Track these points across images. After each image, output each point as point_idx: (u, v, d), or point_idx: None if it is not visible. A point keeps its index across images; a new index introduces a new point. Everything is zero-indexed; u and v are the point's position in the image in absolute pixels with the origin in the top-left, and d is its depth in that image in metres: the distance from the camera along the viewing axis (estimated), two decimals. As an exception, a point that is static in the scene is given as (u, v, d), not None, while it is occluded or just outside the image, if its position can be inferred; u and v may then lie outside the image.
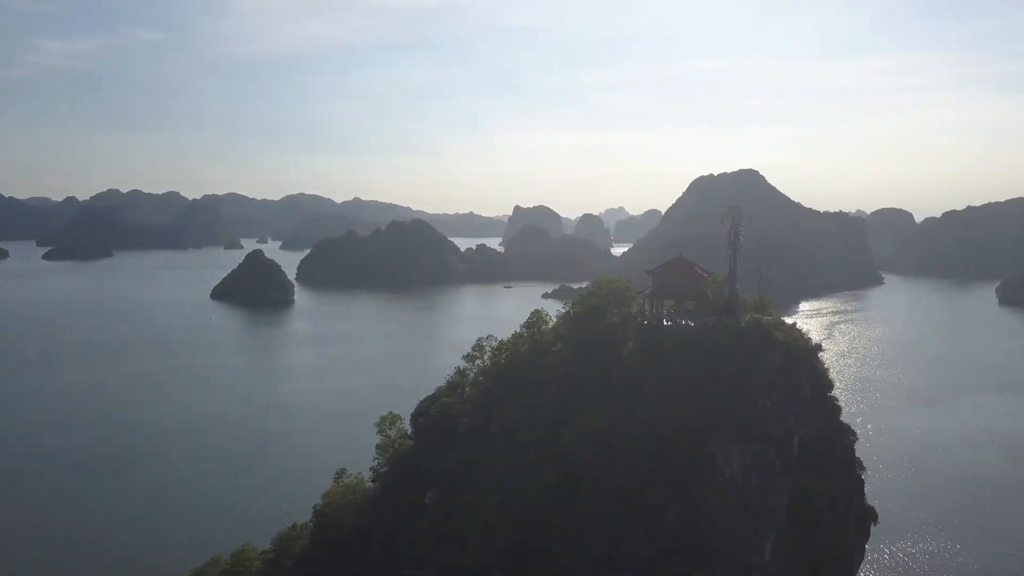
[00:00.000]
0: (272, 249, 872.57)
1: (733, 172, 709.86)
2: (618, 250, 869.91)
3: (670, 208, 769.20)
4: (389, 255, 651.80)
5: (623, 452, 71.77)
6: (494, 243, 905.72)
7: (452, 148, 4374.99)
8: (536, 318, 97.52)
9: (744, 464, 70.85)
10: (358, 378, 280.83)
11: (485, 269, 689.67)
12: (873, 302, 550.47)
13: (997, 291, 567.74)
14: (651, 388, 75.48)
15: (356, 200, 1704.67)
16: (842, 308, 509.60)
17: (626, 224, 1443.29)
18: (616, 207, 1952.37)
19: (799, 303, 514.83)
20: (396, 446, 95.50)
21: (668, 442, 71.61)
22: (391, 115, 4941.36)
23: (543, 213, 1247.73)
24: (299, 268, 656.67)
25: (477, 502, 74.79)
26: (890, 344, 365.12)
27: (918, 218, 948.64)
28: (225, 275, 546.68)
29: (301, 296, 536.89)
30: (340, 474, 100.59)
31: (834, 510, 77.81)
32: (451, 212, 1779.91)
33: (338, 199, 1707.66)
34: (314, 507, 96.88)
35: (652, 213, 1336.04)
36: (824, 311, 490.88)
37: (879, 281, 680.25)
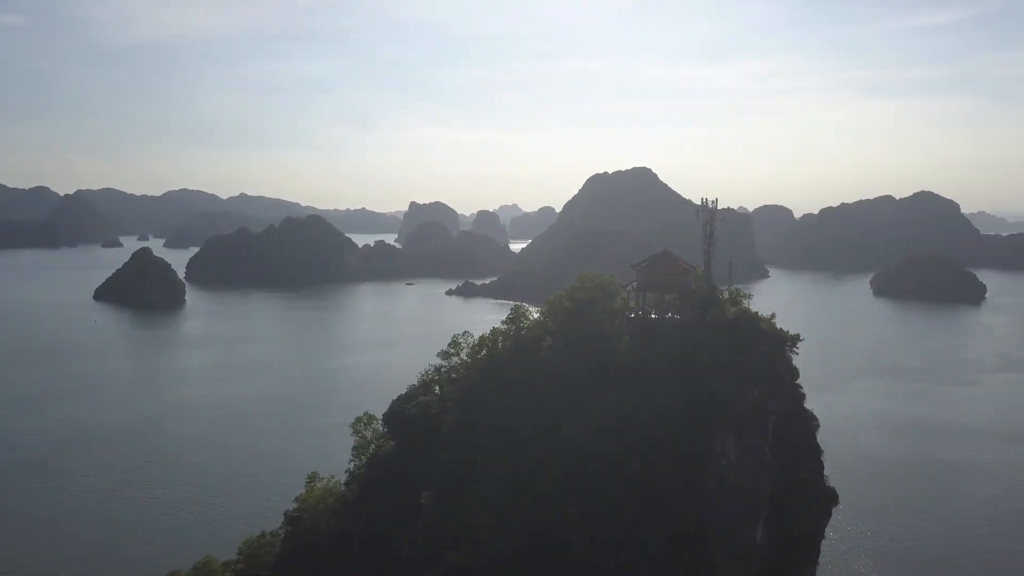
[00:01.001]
0: (155, 247, 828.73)
1: (628, 170, 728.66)
2: (516, 246, 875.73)
3: (567, 205, 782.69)
4: (285, 252, 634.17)
5: (628, 444, 73.39)
6: (389, 239, 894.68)
7: (342, 143, 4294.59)
8: (516, 314, 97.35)
9: (738, 452, 74.03)
10: (268, 380, 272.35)
11: (384, 266, 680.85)
12: (762, 294, 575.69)
13: (871, 283, 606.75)
14: (648, 381, 77.35)
15: (243, 196, 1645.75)
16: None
17: (521, 221, 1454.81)
18: (510, 204, 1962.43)
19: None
20: (373, 447, 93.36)
21: (670, 433, 73.75)
22: (277, 108, 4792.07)
23: (440, 209, 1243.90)
24: (188, 267, 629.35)
25: (484, 500, 74.35)
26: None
27: (797, 214, 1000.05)
28: (108, 275, 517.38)
29: (192, 296, 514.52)
30: (312, 478, 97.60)
31: (803, 493, 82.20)
32: (343, 208, 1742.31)
33: (224, 195, 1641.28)
34: (285, 513, 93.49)
35: (547, 210, 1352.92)
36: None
37: (765, 274, 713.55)
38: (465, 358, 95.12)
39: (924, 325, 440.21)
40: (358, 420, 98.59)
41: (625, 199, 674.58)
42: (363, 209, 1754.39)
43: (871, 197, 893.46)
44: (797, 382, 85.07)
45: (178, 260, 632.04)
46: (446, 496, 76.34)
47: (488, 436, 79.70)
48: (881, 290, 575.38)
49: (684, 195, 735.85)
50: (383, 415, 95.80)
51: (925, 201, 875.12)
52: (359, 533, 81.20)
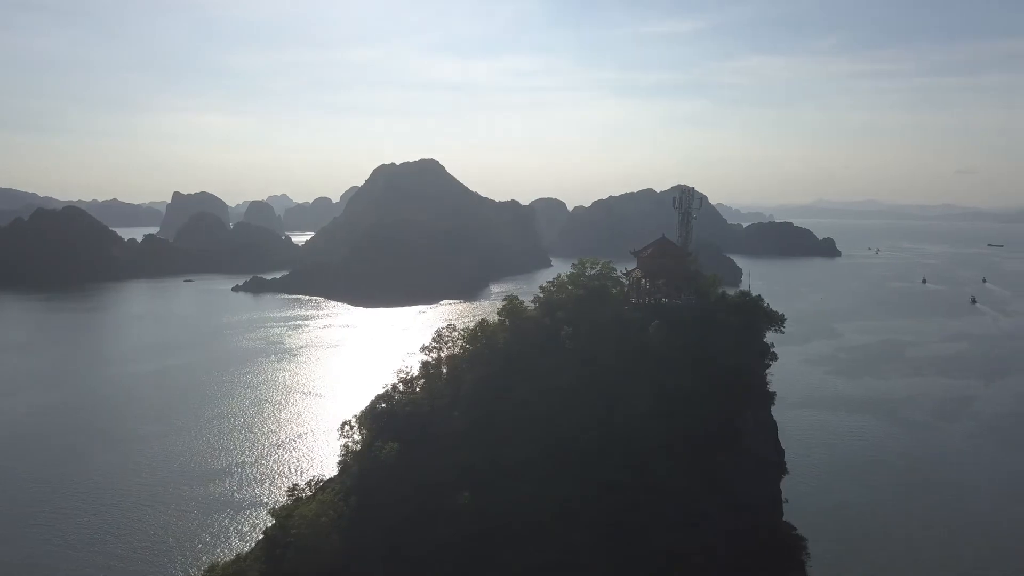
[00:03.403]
0: None
1: (415, 161, 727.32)
2: (297, 239, 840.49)
3: (355, 195, 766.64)
4: (37, 249, 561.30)
5: (671, 426, 73.74)
6: (150, 232, 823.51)
7: (82, 127, 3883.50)
8: (511, 304, 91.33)
9: (756, 425, 77.63)
10: (44, 395, 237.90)
11: (156, 262, 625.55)
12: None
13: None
14: (674, 363, 77.62)
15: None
16: (526, 289, 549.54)
17: (296, 212, 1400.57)
18: (279, 194, 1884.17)
19: (488, 286, 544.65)
20: (359, 450, 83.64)
21: (703, 412, 74.75)
22: (3, 86, 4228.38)
23: (207, 199, 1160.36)
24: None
25: (550, 497, 70.04)
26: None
27: (570, 207, 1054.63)
28: None
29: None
30: (293, 490, 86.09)
31: (770, 460, 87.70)
32: (88, 199, 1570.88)
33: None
34: (265, 532, 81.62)
35: (323, 201, 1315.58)
36: (510, 293, 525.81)
37: (548, 263, 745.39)
38: (457, 351, 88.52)
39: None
40: (344, 425, 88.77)
41: (414, 190, 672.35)
42: (114, 200, 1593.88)
43: (635, 190, 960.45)
44: (765, 361, 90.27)
45: None
46: (479, 495, 71.39)
47: (520, 431, 75.24)
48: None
49: (470, 187, 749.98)
50: (361, 413, 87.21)
51: (681, 193, 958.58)
52: (374, 541, 73.16)
